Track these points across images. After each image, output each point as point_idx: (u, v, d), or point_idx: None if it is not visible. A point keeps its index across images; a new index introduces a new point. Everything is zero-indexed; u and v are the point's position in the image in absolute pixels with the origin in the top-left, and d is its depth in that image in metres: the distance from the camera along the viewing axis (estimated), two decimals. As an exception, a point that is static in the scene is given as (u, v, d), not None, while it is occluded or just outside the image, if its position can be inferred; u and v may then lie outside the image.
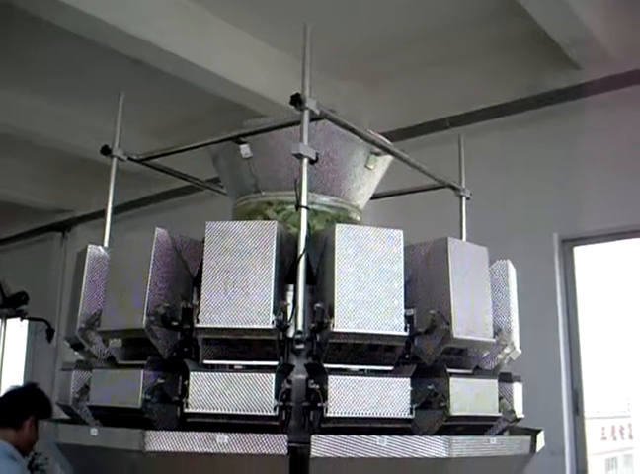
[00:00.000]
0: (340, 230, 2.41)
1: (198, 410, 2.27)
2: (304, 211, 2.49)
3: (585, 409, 5.64)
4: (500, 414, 2.59)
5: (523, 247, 5.00)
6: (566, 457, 5.44)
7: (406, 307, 2.42)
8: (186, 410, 2.28)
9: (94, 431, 2.42)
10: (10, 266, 9.64)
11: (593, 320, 5.80)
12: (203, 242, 2.46)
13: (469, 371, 2.59)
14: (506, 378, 2.77)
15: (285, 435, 2.16)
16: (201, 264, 2.45)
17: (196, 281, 2.59)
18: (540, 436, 2.73)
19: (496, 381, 2.60)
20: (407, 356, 2.52)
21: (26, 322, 9.67)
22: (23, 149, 7.65)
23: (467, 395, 2.44)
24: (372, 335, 2.33)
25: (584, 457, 5.52)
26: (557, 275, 5.57)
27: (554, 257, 5.57)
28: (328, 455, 2.14)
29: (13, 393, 4.15)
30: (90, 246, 2.88)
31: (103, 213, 3.28)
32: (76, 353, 2.94)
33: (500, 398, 2.62)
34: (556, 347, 5.49)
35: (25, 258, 10.05)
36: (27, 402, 3.93)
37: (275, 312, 2.30)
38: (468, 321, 2.49)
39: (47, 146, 7.43)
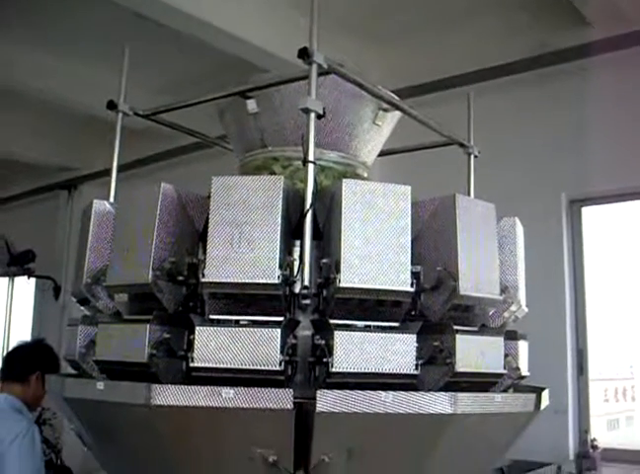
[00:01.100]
0: (347, 185, 2.39)
1: (203, 364, 2.27)
2: (311, 166, 2.47)
3: (589, 370, 5.66)
4: (505, 371, 2.59)
5: (531, 207, 4.96)
6: (569, 416, 5.47)
7: (413, 264, 2.40)
8: (191, 364, 2.28)
9: (100, 385, 2.42)
10: (17, 224, 9.64)
11: (599, 281, 5.79)
12: (209, 197, 2.44)
13: (475, 329, 2.58)
14: (511, 336, 2.76)
15: (291, 390, 2.16)
16: (207, 219, 2.44)
17: (201, 237, 2.58)
18: (545, 395, 2.73)
19: (502, 339, 2.59)
20: (413, 313, 2.52)
21: (33, 280, 9.70)
22: (28, 106, 7.59)
23: (473, 352, 2.44)
24: (379, 290, 2.32)
25: (587, 417, 5.55)
26: (565, 235, 5.56)
27: (562, 217, 5.55)
28: (333, 410, 2.14)
29: (20, 348, 4.17)
30: (95, 201, 2.87)
31: (109, 171, 3.26)
32: (82, 308, 2.94)
33: (505, 356, 2.62)
34: (562, 307, 5.50)
35: (31, 216, 10.04)
36: (33, 357, 3.95)
37: (281, 267, 2.29)
38: (475, 278, 2.47)
39: (53, 103, 7.37)
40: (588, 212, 5.73)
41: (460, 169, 3.63)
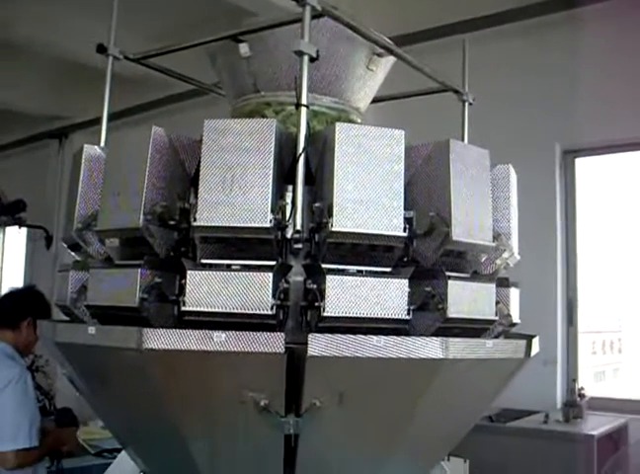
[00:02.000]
0: (340, 129, 2.36)
1: (194, 308, 2.27)
2: (304, 110, 2.44)
3: (578, 321, 5.71)
4: (496, 318, 2.59)
5: (525, 158, 4.92)
6: (558, 366, 5.54)
7: (406, 209, 2.39)
8: (183, 308, 2.28)
9: (91, 329, 2.42)
10: (7, 173, 9.59)
11: (590, 233, 5.81)
12: (201, 141, 2.42)
13: (467, 275, 2.58)
14: (503, 283, 2.76)
15: (282, 334, 2.16)
16: (199, 163, 2.41)
17: (193, 181, 2.56)
18: (535, 342, 2.75)
19: (493, 285, 2.59)
20: (405, 259, 2.51)
21: (24, 230, 9.68)
22: (18, 55, 7.49)
23: (464, 298, 2.44)
24: (371, 235, 2.30)
25: (575, 367, 5.62)
26: (557, 186, 5.56)
27: (555, 168, 5.54)
28: (324, 354, 2.15)
29: (11, 295, 4.17)
30: (86, 146, 2.83)
31: (100, 120, 3.21)
32: (73, 254, 2.92)
33: (497, 302, 2.62)
34: (553, 257, 5.53)
35: (22, 165, 9.99)
36: (24, 303, 3.95)
37: (273, 211, 2.27)
38: (468, 224, 2.46)
39: (44, 51, 7.28)
40: (581, 164, 5.73)
41: (454, 118, 3.59)
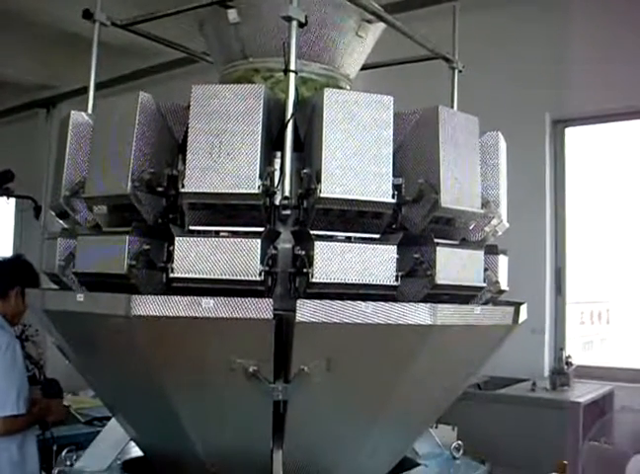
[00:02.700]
0: (328, 95, 2.34)
1: (183, 275, 2.26)
2: (292, 75, 2.42)
3: (566, 290, 5.74)
4: (484, 285, 2.60)
5: (515, 126, 4.91)
6: (546, 335, 5.58)
7: (394, 176, 2.39)
8: (171, 275, 2.27)
9: (80, 296, 2.42)
10: (-5, 144, 9.53)
11: (579, 203, 5.82)
12: (189, 107, 2.40)
13: (456, 242, 2.58)
14: (492, 250, 2.76)
15: (271, 300, 2.16)
16: (187, 129, 2.40)
17: (181, 148, 2.54)
18: (523, 309, 2.75)
19: (482, 252, 2.60)
20: (394, 226, 2.51)
21: (13, 200, 9.62)
22: (5, 23, 7.39)
23: (453, 264, 2.44)
24: (359, 201, 2.30)
25: (563, 335, 5.66)
26: (547, 155, 5.56)
27: (545, 137, 5.53)
28: (313, 320, 2.15)
29: None
30: (73, 112, 2.81)
31: (87, 89, 3.18)
32: (61, 222, 2.91)
33: (485, 270, 2.62)
34: (542, 226, 5.54)
35: (10, 135, 9.92)
36: (12, 273, 3.93)
37: (261, 177, 2.27)
38: (457, 191, 2.46)
39: (32, 19, 7.18)
40: (571, 133, 5.72)
41: (443, 87, 3.57)
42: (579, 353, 5.84)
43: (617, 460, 3.57)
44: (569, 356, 5.06)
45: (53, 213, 2.92)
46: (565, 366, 4.97)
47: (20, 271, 3.94)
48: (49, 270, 2.79)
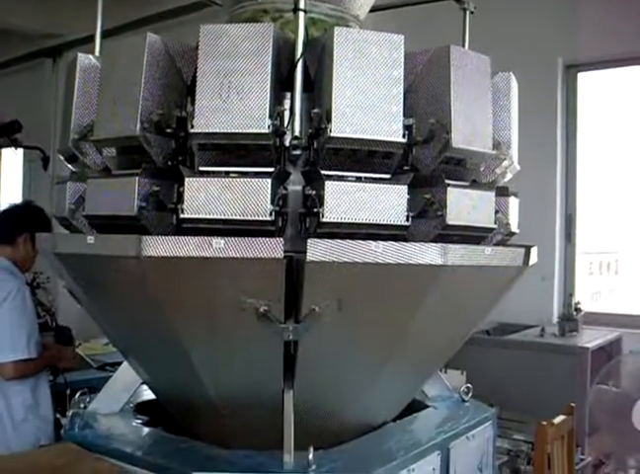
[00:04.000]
0: (338, 33, 2.31)
1: (193, 215, 2.26)
2: (301, 14, 2.38)
3: (576, 237, 5.73)
4: (495, 226, 2.59)
5: (527, 71, 4.86)
6: (555, 282, 5.58)
7: (405, 116, 2.36)
8: (181, 216, 2.27)
9: (90, 239, 2.42)
10: (2, 94, 9.45)
11: (590, 151, 5.78)
12: (197, 48, 2.37)
13: (466, 183, 2.57)
14: (503, 192, 2.75)
15: (281, 239, 2.16)
16: (196, 70, 2.37)
17: (190, 90, 2.52)
18: (534, 251, 2.75)
19: (493, 193, 2.58)
20: (405, 167, 2.50)
21: (21, 151, 9.60)
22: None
23: (464, 205, 2.43)
24: (370, 141, 2.28)
25: (572, 282, 5.67)
26: (559, 100, 5.50)
27: (557, 82, 5.47)
28: (323, 259, 2.15)
29: (8, 211, 4.14)
30: (80, 55, 2.79)
31: (94, 37, 3.14)
32: (70, 166, 2.90)
33: (496, 212, 2.61)
34: (553, 173, 5.51)
35: (16, 86, 9.83)
36: (20, 219, 3.92)
37: (271, 117, 2.25)
38: (468, 131, 2.44)
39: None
40: (584, 78, 5.66)
41: (455, 30, 3.51)
42: (587, 303, 5.83)
43: (624, 403, 3.59)
44: (578, 303, 5.06)
45: (62, 157, 2.91)
46: (574, 312, 4.97)
47: (28, 217, 3.93)
48: (59, 214, 2.80)
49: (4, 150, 9.92)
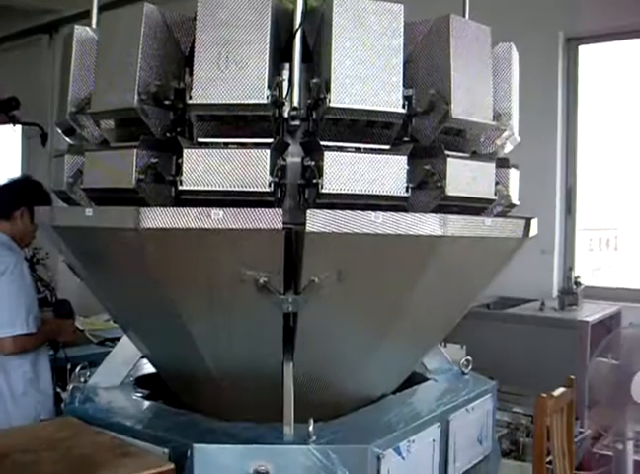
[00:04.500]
0: (337, 3, 2.27)
1: (192, 187, 2.25)
2: (300, -17, 2.36)
3: (576, 211, 5.73)
4: (495, 197, 2.58)
5: (528, 44, 4.83)
6: (555, 256, 5.58)
7: (405, 87, 2.34)
8: (180, 187, 2.26)
9: (89, 211, 2.41)
10: (-1, 71, 9.42)
11: (591, 124, 5.75)
12: (195, 19, 2.35)
13: (466, 154, 2.55)
14: (503, 164, 2.73)
15: (280, 210, 2.15)
16: (194, 41, 2.35)
17: (188, 61, 2.49)
18: (534, 223, 2.73)
19: (493, 165, 2.57)
20: (404, 139, 2.48)
21: (19, 128, 9.57)
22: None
23: (464, 176, 2.42)
24: (369, 111, 2.27)
25: (572, 256, 5.67)
26: (560, 73, 5.47)
27: (558, 55, 5.44)
28: (323, 230, 2.14)
29: (6, 186, 4.11)
30: (77, 27, 2.77)
31: (90, 11, 3.10)
32: (68, 139, 2.89)
33: (496, 183, 2.60)
34: (553, 145, 5.49)
35: (13, 62, 9.79)
36: (17, 193, 3.90)
37: (270, 87, 2.23)
38: (468, 102, 2.42)
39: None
40: (585, 51, 5.63)
41: (455, 3, 3.47)
42: (588, 279, 5.83)
43: (623, 375, 3.59)
44: (578, 277, 5.06)
45: (60, 131, 2.89)
46: (574, 286, 4.98)
47: (25, 191, 3.91)
48: (58, 187, 2.79)
49: (2, 127, 9.86)
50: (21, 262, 3.68)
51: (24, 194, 3.86)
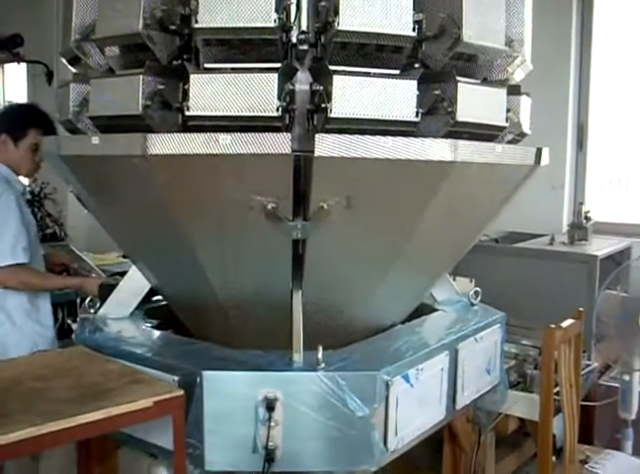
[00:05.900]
0: None
1: (199, 113, 2.22)
2: None
3: (588, 146, 5.67)
4: (506, 124, 2.55)
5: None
6: (565, 191, 5.54)
7: (415, 11, 2.29)
8: (187, 113, 2.23)
9: (95, 139, 2.38)
10: (1, 7, 9.27)
11: (605, 61, 5.66)
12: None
13: (477, 81, 2.51)
14: (514, 91, 2.69)
15: (289, 134, 2.12)
16: (200, -35, 2.29)
17: (194, -15, 2.44)
18: (545, 152, 2.71)
19: (504, 91, 2.53)
20: (414, 65, 2.44)
21: (24, 66, 9.47)
22: None
23: (475, 102, 2.38)
24: (379, 34, 2.22)
25: (583, 191, 5.63)
26: (574, 11, 5.37)
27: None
28: (332, 155, 2.12)
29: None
30: (80, -48, 2.70)
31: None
32: (73, 69, 2.85)
33: (507, 110, 2.56)
34: (566, 77, 5.41)
35: (17, -1, 9.65)
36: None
37: (277, 11, 2.18)
38: (480, 26, 2.37)
39: None
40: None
41: None
42: (598, 215, 5.79)
43: (632, 307, 3.60)
44: (588, 211, 5.01)
45: (64, 60, 2.86)
46: (584, 221, 4.94)
47: (3, 116, 3.80)
48: (63, 117, 2.76)
49: (7, 66, 9.77)
50: (9, 191, 3.47)
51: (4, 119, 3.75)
